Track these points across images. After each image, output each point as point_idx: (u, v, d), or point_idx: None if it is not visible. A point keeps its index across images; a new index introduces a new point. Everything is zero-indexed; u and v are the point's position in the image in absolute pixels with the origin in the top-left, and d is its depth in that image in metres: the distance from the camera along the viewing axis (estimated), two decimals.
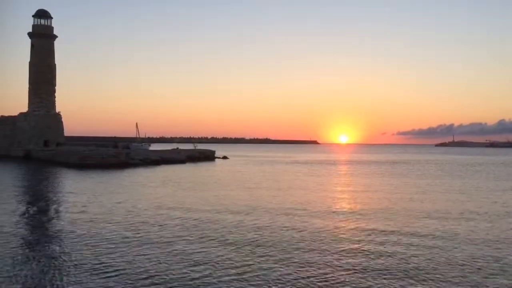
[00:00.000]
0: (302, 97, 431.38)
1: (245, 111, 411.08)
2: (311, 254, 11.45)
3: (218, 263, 10.54)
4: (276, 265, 10.42)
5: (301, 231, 14.29)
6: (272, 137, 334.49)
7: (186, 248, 11.90)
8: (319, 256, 11.27)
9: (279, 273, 9.85)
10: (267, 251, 11.65)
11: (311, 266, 10.38)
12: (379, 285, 9.15)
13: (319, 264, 10.53)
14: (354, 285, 9.15)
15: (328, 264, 10.60)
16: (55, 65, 65.44)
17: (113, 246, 12.07)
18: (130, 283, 9.09)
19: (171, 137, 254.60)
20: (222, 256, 11.21)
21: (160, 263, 10.53)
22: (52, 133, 63.55)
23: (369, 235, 13.83)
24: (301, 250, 11.85)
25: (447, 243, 12.88)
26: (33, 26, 64.00)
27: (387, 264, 10.67)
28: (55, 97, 65.53)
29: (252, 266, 10.35)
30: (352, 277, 9.68)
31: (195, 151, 67.09)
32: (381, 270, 10.18)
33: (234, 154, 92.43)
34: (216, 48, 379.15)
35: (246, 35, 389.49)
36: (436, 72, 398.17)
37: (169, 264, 10.46)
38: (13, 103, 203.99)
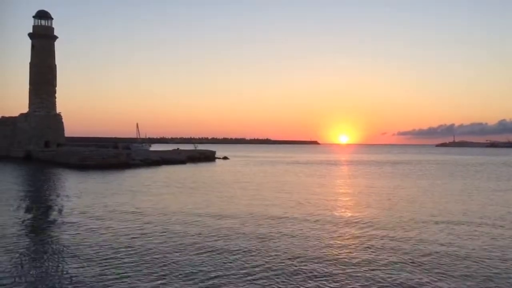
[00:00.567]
0: (302, 97, 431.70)
1: (246, 111, 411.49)
2: (327, 266, 10.94)
3: (224, 266, 10.46)
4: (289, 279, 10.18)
5: (312, 239, 13.16)
6: (273, 138, 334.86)
7: (191, 250, 11.78)
8: (334, 267, 10.55)
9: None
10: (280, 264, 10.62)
11: (327, 278, 9.96)
12: None
13: (335, 276, 9.90)
14: None
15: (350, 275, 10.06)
16: (55, 65, 65.44)
17: (118, 248, 11.94)
18: None
19: (171, 138, 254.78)
20: (227, 259, 11.12)
21: (165, 266, 10.37)
22: (52, 134, 63.52)
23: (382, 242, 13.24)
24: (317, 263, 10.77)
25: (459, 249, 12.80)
26: (34, 27, 63.98)
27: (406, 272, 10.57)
28: (55, 97, 65.51)
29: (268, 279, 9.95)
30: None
31: (195, 152, 67.03)
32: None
33: (234, 154, 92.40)
34: (216, 48, 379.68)
35: (246, 35, 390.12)
36: (437, 72, 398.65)
37: (175, 267, 10.25)
38: (14, 104, 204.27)
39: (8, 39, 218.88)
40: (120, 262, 10.62)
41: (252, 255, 11.37)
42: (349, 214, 17.93)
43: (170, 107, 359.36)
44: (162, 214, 17.52)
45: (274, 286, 9.12)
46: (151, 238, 13.23)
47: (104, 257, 11.01)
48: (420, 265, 10.63)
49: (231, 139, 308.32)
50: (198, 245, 12.40)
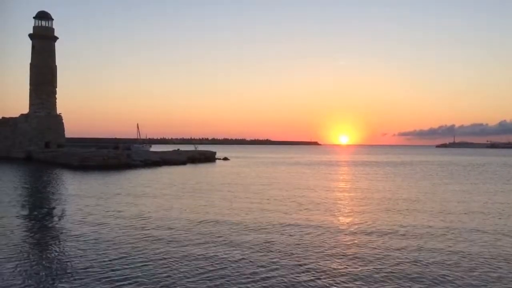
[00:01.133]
0: (302, 98, 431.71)
1: (246, 112, 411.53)
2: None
3: (230, 269, 10.40)
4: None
5: (320, 247, 12.30)
6: (273, 138, 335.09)
7: (197, 253, 11.64)
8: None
9: None
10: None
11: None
12: None
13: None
14: None
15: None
16: (55, 66, 65.50)
17: (123, 250, 11.80)
18: None
19: (171, 138, 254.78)
20: (234, 262, 11.05)
21: (172, 269, 10.24)
22: (53, 135, 63.54)
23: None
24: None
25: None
26: (34, 27, 64.05)
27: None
28: (56, 98, 65.56)
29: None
30: None
31: (195, 152, 66.96)
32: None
33: (234, 155, 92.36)
34: (216, 48, 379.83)
35: (246, 35, 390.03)
36: (437, 73, 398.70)
37: (181, 271, 10.10)
38: (14, 105, 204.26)
39: (9, 39, 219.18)
40: (122, 266, 10.45)
41: (259, 264, 11.11)
42: (359, 220, 16.90)
43: (170, 108, 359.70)
44: (165, 217, 17.34)
45: None
46: (154, 241, 13.10)
47: (105, 261, 10.94)
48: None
49: (231, 139, 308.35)
50: (200, 253, 12.12)
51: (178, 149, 71.26)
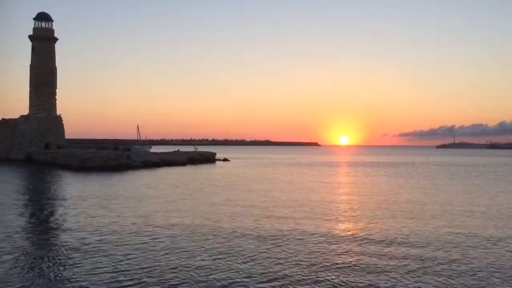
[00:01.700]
0: (302, 99, 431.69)
1: (246, 112, 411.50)
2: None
3: (235, 271, 10.33)
4: None
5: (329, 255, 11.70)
6: (273, 139, 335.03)
7: (202, 256, 11.55)
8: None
9: None
10: None
11: None
12: None
13: None
14: None
15: None
16: (55, 67, 65.49)
17: (127, 252, 11.66)
18: None
19: (171, 139, 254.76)
20: (239, 264, 10.99)
21: (178, 272, 10.12)
22: (53, 136, 63.50)
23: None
24: None
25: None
26: (34, 29, 64.06)
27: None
28: (55, 99, 65.57)
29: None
30: None
31: (195, 153, 66.91)
32: None
33: (234, 156, 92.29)
34: (216, 49, 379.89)
35: (246, 35, 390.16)
36: (437, 73, 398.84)
37: (188, 274, 9.95)
38: (14, 106, 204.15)
39: (9, 41, 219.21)
40: (127, 269, 10.31)
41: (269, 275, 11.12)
42: (367, 226, 16.34)
43: (170, 109, 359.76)
44: (170, 219, 17.23)
45: None
46: (159, 244, 13.01)
47: (109, 263, 10.85)
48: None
49: (231, 140, 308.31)
50: (206, 257, 11.98)
51: (178, 150, 71.19)
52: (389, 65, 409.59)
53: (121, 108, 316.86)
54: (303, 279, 9.65)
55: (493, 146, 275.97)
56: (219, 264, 10.66)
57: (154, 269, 10.22)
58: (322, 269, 10.37)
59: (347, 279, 9.67)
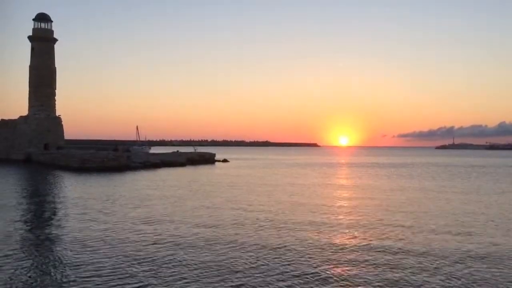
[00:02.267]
0: (301, 99, 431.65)
1: (245, 113, 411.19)
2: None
3: (241, 274, 10.30)
4: None
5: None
6: (272, 140, 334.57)
7: (207, 259, 11.45)
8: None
9: None
10: None
11: None
12: None
13: None
14: None
15: None
16: (55, 68, 65.50)
17: (131, 255, 11.55)
18: None
19: (171, 140, 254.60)
20: (244, 265, 10.98)
21: (181, 273, 10.02)
22: (52, 137, 63.50)
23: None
24: None
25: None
26: (33, 29, 64.08)
27: None
28: (55, 100, 65.57)
29: None
30: None
31: (195, 154, 66.91)
32: None
33: (234, 157, 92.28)
34: (216, 49, 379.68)
35: (246, 36, 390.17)
36: (436, 74, 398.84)
37: (192, 275, 9.89)
38: (14, 106, 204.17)
39: (8, 41, 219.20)
40: (131, 271, 10.24)
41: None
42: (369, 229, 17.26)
43: (169, 109, 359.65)
44: (175, 220, 17.13)
45: None
46: (164, 246, 12.93)
47: (107, 268, 10.84)
48: None
49: (230, 141, 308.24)
50: (211, 258, 11.91)
51: (178, 151, 71.17)
52: (388, 66, 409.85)
53: (120, 109, 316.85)
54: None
55: (492, 147, 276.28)
56: (222, 258, 10.69)
57: (157, 272, 10.15)
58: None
59: None
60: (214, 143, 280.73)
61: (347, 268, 10.52)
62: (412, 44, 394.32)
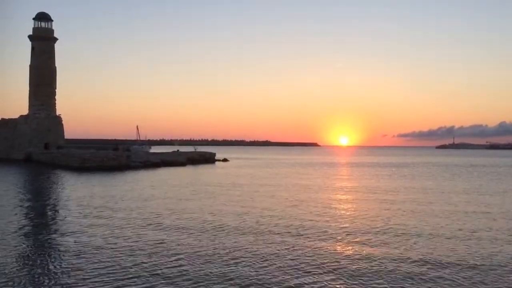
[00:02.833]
0: (302, 99, 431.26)
1: (245, 113, 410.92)
2: None
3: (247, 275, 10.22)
4: None
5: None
6: (272, 140, 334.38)
7: (213, 262, 11.41)
8: None
9: None
10: None
11: None
12: None
13: None
14: None
15: None
16: (55, 67, 65.45)
17: (135, 256, 11.44)
18: None
19: (171, 140, 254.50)
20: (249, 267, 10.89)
21: (187, 274, 9.94)
22: (52, 136, 63.45)
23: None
24: None
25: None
26: (34, 29, 64.02)
27: None
28: (55, 99, 65.53)
29: None
30: None
31: (195, 154, 66.84)
32: None
33: (234, 156, 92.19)
34: (216, 49, 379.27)
35: (246, 35, 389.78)
36: (436, 73, 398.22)
37: (198, 276, 9.80)
38: (14, 106, 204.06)
39: (8, 41, 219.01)
40: (128, 275, 10.09)
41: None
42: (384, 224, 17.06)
43: (170, 109, 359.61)
44: (180, 221, 17.00)
45: None
46: (168, 247, 12.85)
47: (110, 269, 10.74)
48: None
49: (230, 140, 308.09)
50: (219, 260, 11.84)
51: (178, 150, 71.11)
52: (388, 66, 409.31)
53: (120, 108, 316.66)
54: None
55: (492, 146, 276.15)
56: (227, 259, 10.62)
57: (160, 272, 10.06)
58: None
59: None
60: (214, 143, 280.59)
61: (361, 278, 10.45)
62: (412, 44, 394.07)
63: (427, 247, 12.54)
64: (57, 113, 65.77)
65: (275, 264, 10.73)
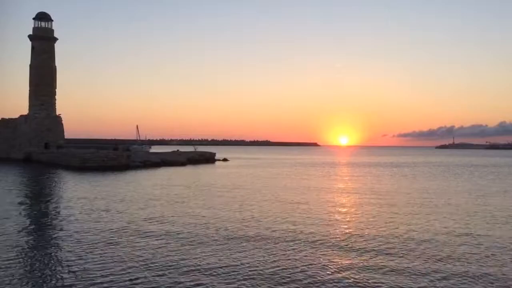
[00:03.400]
0: (302, 99, 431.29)
1: (245, 113, 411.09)
2: None
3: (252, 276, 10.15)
4: None
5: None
6: (272, 139, 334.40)
7: (220, 262, 11.31)
8: None
9: None
10: None
11: None
12: None
13: None
14: None
15: None
16: (55, 67, 65.36)
17: (139, 257, 11.31)
18: None
19: (171, 139, 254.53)
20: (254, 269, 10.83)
21: (192, 277, 9.83)
22: (52, 136, 63.37)
23: None
24: None
25: None
26: (34, 28, 63.92)
27: None
28: (55, 99, 65.44)
29: None
30: None
31: (195, 154, 66.76)
32: None
33: (234, 156, 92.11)
34: (216, 49, 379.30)
35: (246, 35, 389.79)
36: (436, 73, 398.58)
37: (201, 279, 9.68)
38: (14, 106, 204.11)
39: (8, 40, 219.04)
40: (140, 274, 10.02)
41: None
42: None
43: (169, 109, 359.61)
44: (185, 223, 16.95)
45: None
46: (172, 247, 12.77)
47: (113, 271, 10.64)
48: None
49: (230, 140, 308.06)
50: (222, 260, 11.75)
51: (178, 150, 71.05)
52: (388, 66, 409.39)
53: (120, 108, 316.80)
54: None
55: (492, 146, 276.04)
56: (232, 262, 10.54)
57: (164, 274, 9.96)
58: None
59: None
60: (214, 143, 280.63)
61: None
62: (412, 44, 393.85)
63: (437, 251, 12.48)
64: (57, 113, 65.71)
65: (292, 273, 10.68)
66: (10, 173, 39.33)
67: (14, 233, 13.88)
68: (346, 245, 12.59)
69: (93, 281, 9.23)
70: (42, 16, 64.03)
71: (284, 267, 10.30)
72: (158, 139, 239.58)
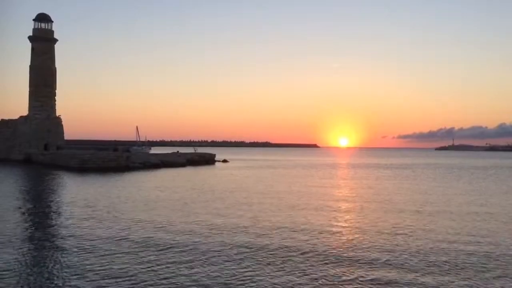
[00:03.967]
0: (302, 100, 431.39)
1: (245, 114, 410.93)
2: None
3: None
4: None
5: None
6: (272, 141, 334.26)
7: (222, 264, 11.27)
8: None
9: None
10: None
11: None
12: None
13: None
14: None
15: None
16: (55, 68, 65.35)
17: (142, 260, 11.26)
18: None
19: (171, 140, 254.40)
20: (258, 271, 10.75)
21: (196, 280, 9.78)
22: (52, 137, 63.32)
23: None
24: None
25: None
26: (34, 29, 63.92)
27: None
28: (55, 100, 65.42)
29: None
30: None
31: (195, 155, 66.76)
32: None
33: (234, 157, 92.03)
34: (216, 50, 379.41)
35: (246, 36, 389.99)
36: (436, 75, 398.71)
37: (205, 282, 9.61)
38: (14, 106, 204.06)
39: (8, 41, 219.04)
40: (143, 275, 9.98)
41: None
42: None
43: (169, 110, 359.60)
44: (188, 224, 16.91)
45: None
46: (169, 252, 12.73)
47: (115, 273, 10.59)
48: None
49: (230, 142, 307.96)
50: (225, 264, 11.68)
51: (178, 152, 71.00)
52: (388, 66, 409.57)
53: (120, 109, 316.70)
54: None
55: (492, 148, 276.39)
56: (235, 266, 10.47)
57: (165, 275, 9.94)
58: None
59: None
60: (214, 144, 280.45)
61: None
62: (412, 44, 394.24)
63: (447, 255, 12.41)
64: (57, 113, 65.68)
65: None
66: (10, 174, 39.25)
67: (14, 234, 13.82)
68: (351, 257, 12.51)
69: (93, 283, 9.17)
70: (42, 17, 64.05)
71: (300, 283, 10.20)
72: (158, 140, 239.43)
